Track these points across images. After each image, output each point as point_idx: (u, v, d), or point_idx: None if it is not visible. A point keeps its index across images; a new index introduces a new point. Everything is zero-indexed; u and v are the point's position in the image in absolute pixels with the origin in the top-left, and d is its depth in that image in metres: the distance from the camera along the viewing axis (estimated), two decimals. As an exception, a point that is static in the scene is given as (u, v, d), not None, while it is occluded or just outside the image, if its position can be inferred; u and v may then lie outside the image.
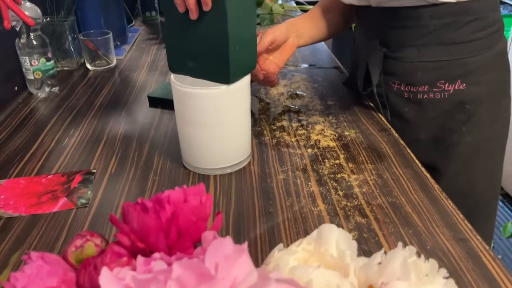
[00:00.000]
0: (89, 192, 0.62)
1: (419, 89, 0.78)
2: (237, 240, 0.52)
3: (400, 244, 0.37)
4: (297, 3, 1.69)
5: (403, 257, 0.34)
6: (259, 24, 1.44)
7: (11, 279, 0.34)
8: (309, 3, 1.66)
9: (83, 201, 0.60)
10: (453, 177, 0.82)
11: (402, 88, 0.80)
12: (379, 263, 0.36)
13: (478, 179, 0.84)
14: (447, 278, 0.33)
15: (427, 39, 0.75)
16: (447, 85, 0.77)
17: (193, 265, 0.29)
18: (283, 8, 1.52)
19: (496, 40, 0.77)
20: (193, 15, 0.56)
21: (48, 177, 0.66)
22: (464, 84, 0.76)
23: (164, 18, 0.62)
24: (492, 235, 0.96)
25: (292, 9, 1.59)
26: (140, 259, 0.33)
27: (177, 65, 0.63)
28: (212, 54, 0.58)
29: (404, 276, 0.33)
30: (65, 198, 0.61)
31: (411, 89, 0.79)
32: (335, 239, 0.39)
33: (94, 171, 0.67)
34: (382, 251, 0.37)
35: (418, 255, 0.36)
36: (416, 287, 0.32)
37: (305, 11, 1.59)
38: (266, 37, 0.76)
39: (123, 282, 0.31)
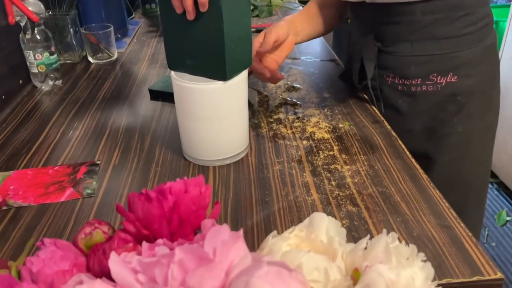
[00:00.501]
0: (94, 183, 0.65)
1: (413, 82, 0.81)
2: (235, 228, 0.55)
3: (384, 230, 0.40)
4: (296, -6, 1.71)
5: (385, 242, 0.37)
6: (257, 16, 1.45)
7: (27, 263, 0.37)
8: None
9: (89, 191, 0.63)
10: (445, 166, 0.85)
11: (396, 81, 0.82)
12: (365, 248, 0.39)
13: (469, 168, 0.87)
14: (425, 261, 0.36)
15: (419, 34, 0.77)
16: (439, 78, 0.79)
17: (193, 250, 0.32)
18: (281, 0, 1.54)
19: (486, 34, 0.79)
20: (190, 16, 0.59)
21: (55, 168, 0.69)
22: (456, 77, 0.79)
23: (162, 18, 0.64)
24: (482, 221, 0.99)
25: (291, 1, 1.60)
26: (145, 244, 0.36)
27: (176, 63, 0.65)
28: (209, 52, 0.61)
29: (386, 260, 0.36)
30: (72, 189, 0.64)
31: (405, 82, 0.82)
32: (325, 226, 0.42)
33: (99, 162, 0.70)
34: (368, 237, 0.40)
35: (400, 240, 0.39)
36: (396, 270, 0.35)
37: (303, 2, 1.60)
38: (270, 36, 0.79)
39: (130, 265, 0.34)
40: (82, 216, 0.58)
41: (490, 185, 2.01)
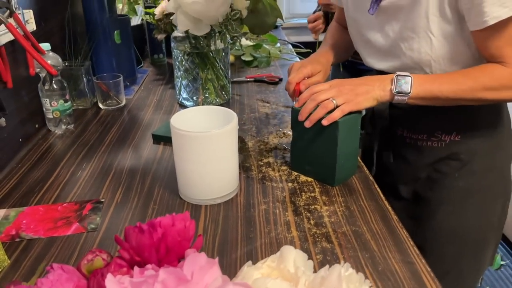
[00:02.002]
0: (98, 219, 0.73)
1: (419, 137, 0.89)
2: (221, 260, 0.62)
3: (342, 262, 0.47)
4: (293, 46, 1.83)
5: (338, 271, 0.44)
6: (256, 66, 1.56)
7: (37, 284, 0.44)
8: (306, 46, 1.79)
9: (93, 226, 0.71)
10: (445, 216, 0.91)
11: (404, 134, 0.91)
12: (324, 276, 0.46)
13: (467, 221, 0.91)
14: (370, 287, 0.43)
15: None
16: (443, 135, 0.87)
17: (174, 272, 0.39)
18: (280, 51, 1.66)
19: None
20: (308, 124, 0.76)
21: (63, 205, 0.77)
22: (459, 136, 0.86)
23: (292, 133, 0.83)
24: (480, 272, 0.99)
25: (289, 52, 1.72)
26: (136, 269, 0.43)
27: (297, 167, 0.85)
28: (323, 164, 0.79)
29: (338, 286, 0.43)
30: (78, 223, 0.71)
31: (412, 136, 0.90)
32: (293, 258, 0.49)
33: (103, 200, 0.78)
34: (327, 267, 0.47)
35: (356, 270, 0.46)
36: (346, 294, 0.42)
37: (301, 54, 1.72)
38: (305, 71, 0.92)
39: (123, 285, 0.41)
40: (86, 248, 0.65)
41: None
